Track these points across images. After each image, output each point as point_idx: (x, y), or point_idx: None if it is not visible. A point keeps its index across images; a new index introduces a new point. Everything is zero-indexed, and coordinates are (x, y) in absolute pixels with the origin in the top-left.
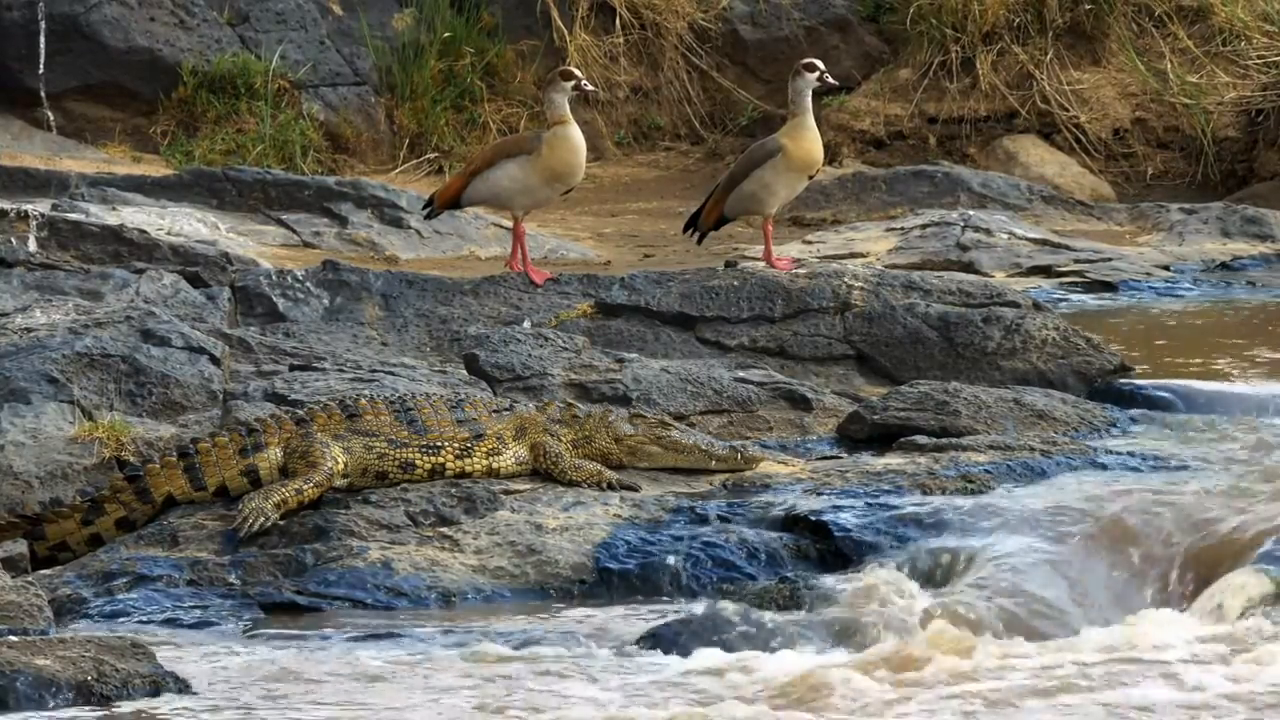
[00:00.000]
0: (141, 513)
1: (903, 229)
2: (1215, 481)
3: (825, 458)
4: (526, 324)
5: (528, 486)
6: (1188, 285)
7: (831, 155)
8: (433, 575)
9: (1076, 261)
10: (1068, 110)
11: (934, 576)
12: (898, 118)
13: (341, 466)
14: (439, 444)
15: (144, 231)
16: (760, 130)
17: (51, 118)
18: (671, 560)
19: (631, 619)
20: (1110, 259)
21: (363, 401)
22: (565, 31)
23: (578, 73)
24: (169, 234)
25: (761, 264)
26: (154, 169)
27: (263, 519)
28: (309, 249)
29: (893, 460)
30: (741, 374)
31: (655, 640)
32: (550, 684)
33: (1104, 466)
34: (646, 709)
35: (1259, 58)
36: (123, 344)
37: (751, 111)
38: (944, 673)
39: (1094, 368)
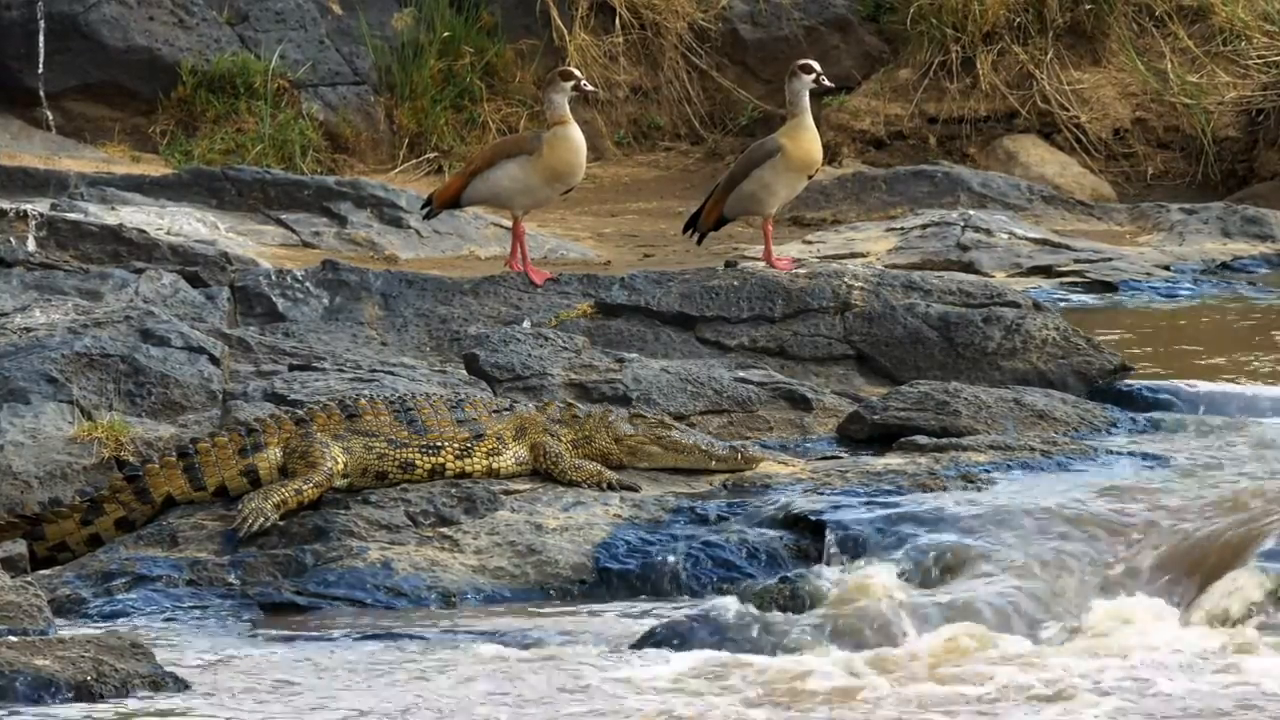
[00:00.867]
0: (141, 513)
1: (903, 229)
2: (1215, 481)
3: (825, 458)
4: (526, 324)
5: (528, 486)
6: (1188, 285)
7: (831, 155)
8: (433, 575)
9: (1077, 261)
10: (1068, 110)
11: (934, 576)
12: (898, 118)
13: (341, 467)
14: (439, 444)
15: (143, 231)
16: (760, 130)
17: (50, 117)
18: (671, 560)
19: (631, 619)
20: (1110, 259)
21: (362, 401)
22: (565, 31)
23: (577, 73)
24: (168, 234)
25: (761, 264)
26: (153, 169)
27: (262, 519)
28: (308, 249)
29: (893, 460)
30: (741, 374)
31: (655, 640)
32: (550, 684)
33: (1104, 466)
34: (647, 709)
35: (1259, 57)
36: (122, 344)
37: (751, 111)
38: (944, 673)
39: (1094, 368)
